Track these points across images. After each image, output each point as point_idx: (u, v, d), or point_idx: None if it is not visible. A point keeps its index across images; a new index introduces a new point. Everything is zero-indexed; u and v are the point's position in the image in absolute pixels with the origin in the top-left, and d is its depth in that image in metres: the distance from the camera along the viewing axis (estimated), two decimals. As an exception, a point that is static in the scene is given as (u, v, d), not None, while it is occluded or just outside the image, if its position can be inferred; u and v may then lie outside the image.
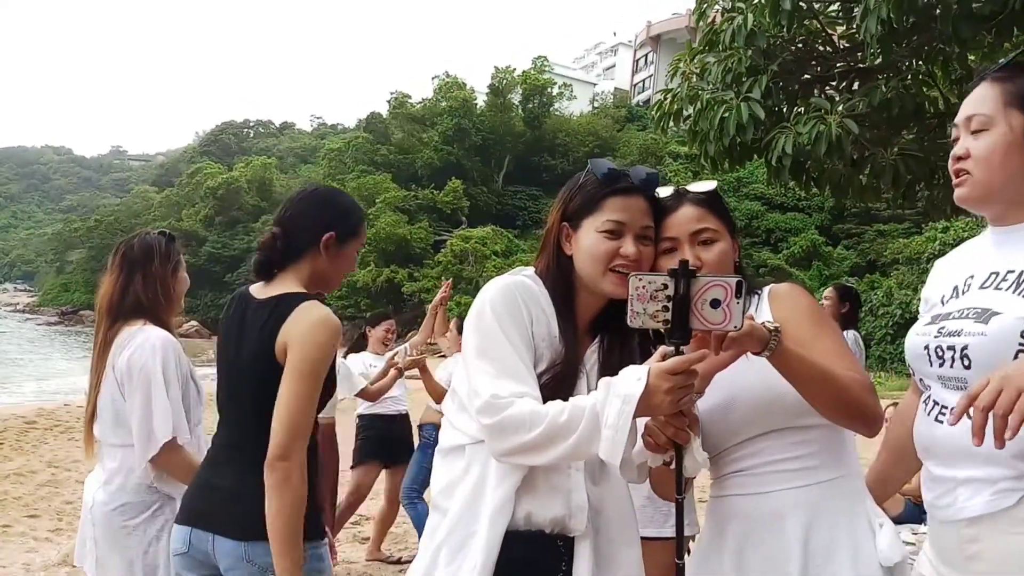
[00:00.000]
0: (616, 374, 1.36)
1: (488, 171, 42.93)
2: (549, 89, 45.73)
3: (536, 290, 1.51)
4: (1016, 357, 1.23)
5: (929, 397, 1.40)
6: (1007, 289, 1.32)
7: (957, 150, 1.40)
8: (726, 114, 4.03)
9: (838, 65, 4.54)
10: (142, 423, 2.25)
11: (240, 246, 47.37)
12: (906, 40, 3.82)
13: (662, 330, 1.33)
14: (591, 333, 1.56)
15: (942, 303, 1.44)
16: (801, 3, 4.02)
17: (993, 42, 3.84)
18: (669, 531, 2.30)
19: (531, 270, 1.57)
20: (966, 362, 1.30)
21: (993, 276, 1.36)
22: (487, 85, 44.79)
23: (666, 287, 1.30)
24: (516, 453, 1.37)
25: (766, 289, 1.58)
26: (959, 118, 1.42)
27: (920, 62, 4.16)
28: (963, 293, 1.40)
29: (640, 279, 1.33)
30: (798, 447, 1.48)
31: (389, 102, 48.40)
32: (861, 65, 4.42)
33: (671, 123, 4.68)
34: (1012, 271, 1.33)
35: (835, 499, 1.47)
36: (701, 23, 4.58)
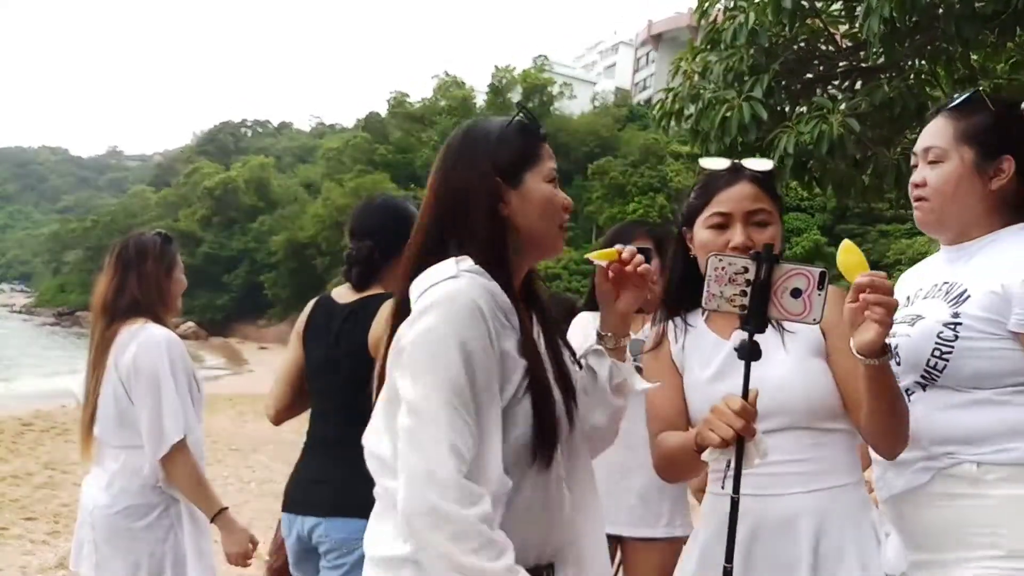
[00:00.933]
0: (558, 367, 1.26)
1: (487, 171, 42.89)
2: (549, 88, 45.74)
3: (493, 289, 1.22)
4: (933, 354, 1.44)
5: None
6: (936, 296, 1.51)
7: (915, 178, 1.54)
8: (728, 113, 4.01)
9: (840, 64, 4.52)
10: (153, 422, 2.23)
11: (237, 246, 47.33)
12: (908, 39, 3.80)
13: (738, 315, 1.27)
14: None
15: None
16: (803, 2, 4.00)
17: (995, 41, 3.82)
18: (662, 531, 2.30)
19: (466, 261, 1.23)
20: (897, 359, 1.48)
21: (934, 287, 1.53)
22: (487, 84, 44.81)
23: (746, 270, 1.24)
24: (434, 557, 1.09)
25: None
26: (918, 147, 1.55)
27: (923, 61, 4.15)
28: (911, 303, 1.56)
29: (721, 259, 1.27)
30: (813, 449, 1.46)
31: (388, 101, 48.43)
32: (863, 64, 4.41)
33: (672, 122, 4.65)
34: (947, 282, 1.50)
35: (845, 506, 1.47)
36: (703, 22, 4.55)
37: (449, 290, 1.17)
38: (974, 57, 4.10)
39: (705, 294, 1.27)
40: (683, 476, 1.63)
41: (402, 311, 1.24)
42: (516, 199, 1.28)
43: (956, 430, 1.41)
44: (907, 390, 1.47)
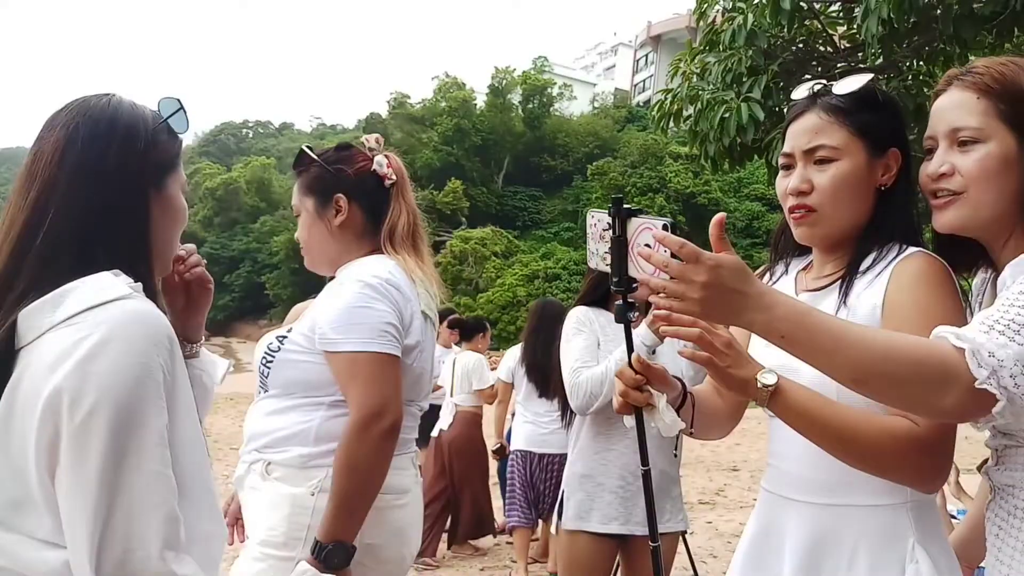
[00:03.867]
0: None
1: (488, 172, 42.95)
2: (549, 89, 45.77)
3: None
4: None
5: None
6: None
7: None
8: (726, 114, 4.02)
9: (839, 65, 4.53)
10: None
11: (239, 246, 47.39)
12: (907, 40, 3.81)
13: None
14: None
15: None
16: (802, 3, 4.01)
17: (994, 42, 3.83)
18: (665, 527, 2.31)
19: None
20: None
21: None
22: (487, 85, 44.82)
23: (609, 226, 1.10)
24: None
25: (907, 251, 1.23)
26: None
27: (921, 62, 4.16)
28: None
29: (592, 215, 1.15)
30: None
31: (388, 102, 48.45)
32: (862, 65, 4.41)
33: (671, 123, 4.67)
34: None
35: (864, 529, 1.21)
36: (701, 23, 4.57)
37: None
38: (972, 58, 4.10)
39: (587, 252, 1.17)
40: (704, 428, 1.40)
41: None
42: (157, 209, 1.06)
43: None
44: None
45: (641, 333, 2.23)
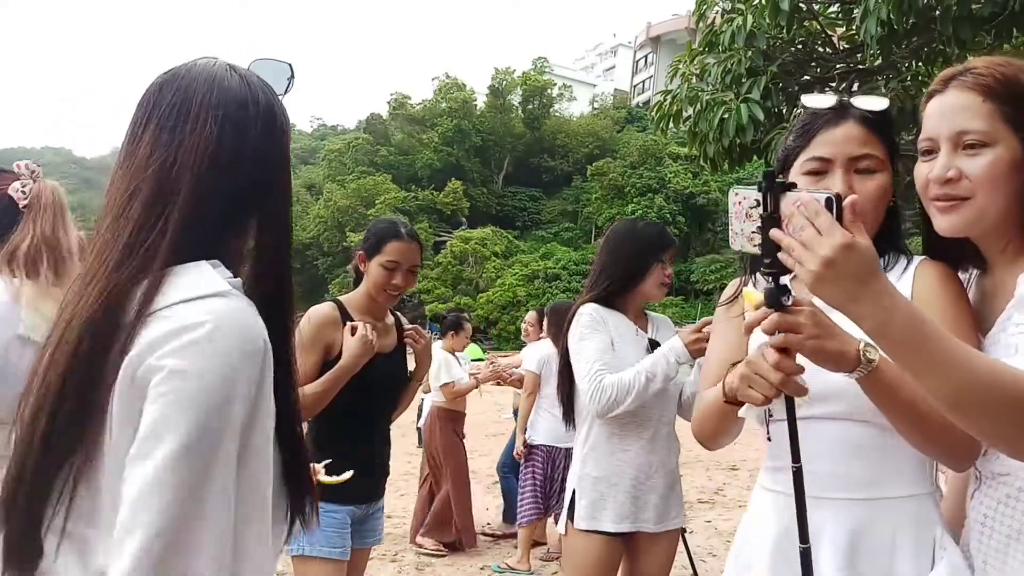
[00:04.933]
0: None
1: (488, 172, 42.98)
2: (549, 90, 45.82)
3: None
4: None
5: None
6: None
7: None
8: (726, 115, 4.03)
9: (838, 66, 4.55)
10: None
11: (239, 247, 47.30)
12: (906, 41, 3.82)
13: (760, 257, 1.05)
14: None
15: None
16: (801, 4, 4.02)
17: (992, 43, 3.84)
18: (672, 524, 2.32)
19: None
20: None
21: None
22: (487, 86, 44.87)
23: (758, 203, 1.03)
24: None
25: (917, 260, 1.29)
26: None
27: (920, 63, 4.17)
28: None
29: (736, 193, 1.07)
30: (869, 450, 1.24)
31: (389, 103, 48.46)
32: (861, 66, 4.43)
33: (671, 124, 4.68)
34: None
35: (896, 520, 1.23)
36: (701, 24, 4.58)
37: None
38: (971, 59, 4.11)
39: (730, 233, 1.09)
40: (718, 435, 1.35)
41: None
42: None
43: None
44: None
45: (676, 347, 2.17)
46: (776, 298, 1.03)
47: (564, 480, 4.27)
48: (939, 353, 0.95)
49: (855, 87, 4.49)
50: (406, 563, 4.70)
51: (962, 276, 1.27)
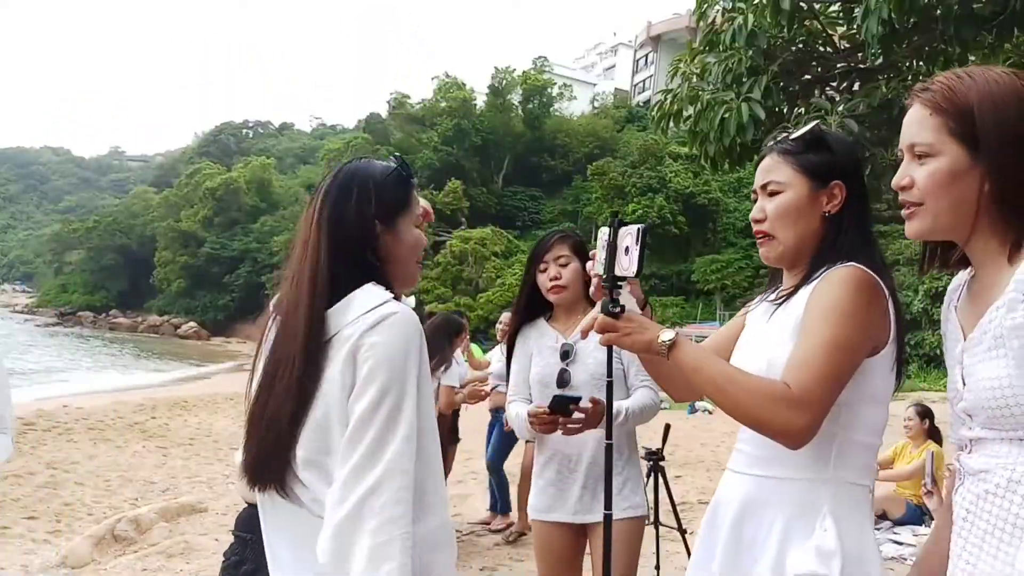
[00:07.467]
0: None
1: (488, 172, 42.95)
2: (549, 89, 45.78)
3: None
4: None
5: None
6: None
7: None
8: (726, 114, 4.03)
9: (839, 65, 4.54)
10: None
11: (239, 247, 47.34)
12: (907, 41, 3.82)
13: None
14: None
15: None
16: (802, 3, 4.02)
17: (993, 43, 3.84)
18: (637, 511, 2.40)
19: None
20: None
21: None
22: (487, 85, 44.83)
23: (607, 236, 1.43)
24: None
25: (838, 267, 1.42)
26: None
27: (921, 63, 4.16)
28: None
29: (601, 229, 1.45)
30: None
31: (389, 103, 48.45)
32: (862, 65, 4.42)
33: (671, 124, 4.67)
34: None
35: (778, 498, 1.40)
36: (701, 23, 4.57)
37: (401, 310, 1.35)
38: (972, 58, 4.11)
39: (596, 262, 1.46)
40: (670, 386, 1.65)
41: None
42: (390, 240, 1.41)
43: None
44: None
45: (521, 417, 2.40)
46: (605, 306, 1.41)
47: None
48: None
49: (856, 86, 4.49)
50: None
51: (962, 276, 1.31)
